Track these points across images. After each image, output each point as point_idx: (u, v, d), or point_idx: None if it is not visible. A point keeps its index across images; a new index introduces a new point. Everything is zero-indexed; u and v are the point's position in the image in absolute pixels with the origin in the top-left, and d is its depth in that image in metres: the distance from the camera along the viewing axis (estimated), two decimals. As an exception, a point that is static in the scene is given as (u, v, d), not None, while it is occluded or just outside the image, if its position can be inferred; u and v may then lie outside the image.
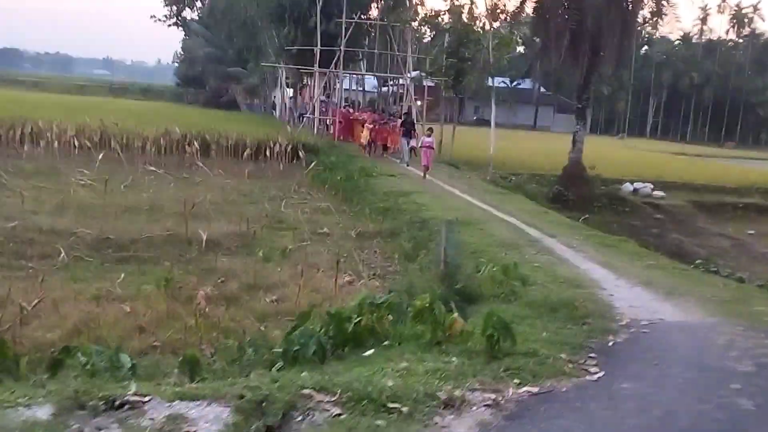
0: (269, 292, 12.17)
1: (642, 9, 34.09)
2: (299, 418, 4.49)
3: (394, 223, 17.89)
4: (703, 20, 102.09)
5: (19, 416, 4.18)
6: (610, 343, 7.13)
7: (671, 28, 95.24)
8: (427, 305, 6.82)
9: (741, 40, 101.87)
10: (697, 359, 6.69)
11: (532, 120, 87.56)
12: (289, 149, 29.67)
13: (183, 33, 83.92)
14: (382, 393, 4.84)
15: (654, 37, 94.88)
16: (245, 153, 28.78)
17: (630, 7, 31.42)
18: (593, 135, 72.92)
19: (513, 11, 33.32)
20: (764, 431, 5.18)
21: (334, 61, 38.71)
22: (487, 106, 35.29)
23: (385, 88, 51.53)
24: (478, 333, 6.37)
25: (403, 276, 12.87)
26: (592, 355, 6.61)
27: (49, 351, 7.69)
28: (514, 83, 75.91)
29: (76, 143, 27.05)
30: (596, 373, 6.06)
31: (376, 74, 49.65)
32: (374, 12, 46.30)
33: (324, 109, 41.80)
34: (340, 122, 37.04)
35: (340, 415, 4.59)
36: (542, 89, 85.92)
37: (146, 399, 4.46)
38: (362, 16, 41.93)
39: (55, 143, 26.23)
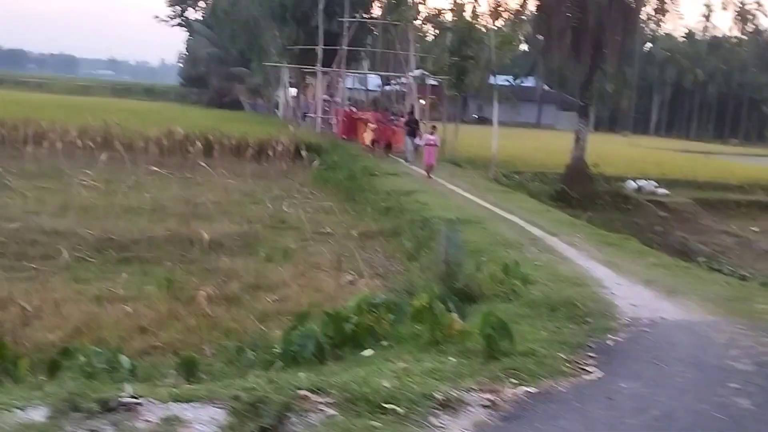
0: (271, 291, 12.18)
1: (645, 6, 34.01)
2: (294, 420, 4.49)
3: (396, 222, 17.87)
4: (707, 17, 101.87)
5: (13, 419, 4.18)
6: (610, 343, 7.11)
7: (674, 25, 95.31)
8: (426, 305, 6.79)
9: (745, 37, 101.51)
10: (697, 358, 6.67)
11: (535, 118, 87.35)
12: (291, 149, 29.65)
13: (186, 33, 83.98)
14: (378, 394, 4.83)
15: (658, 34, 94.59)
16: (248, 153, 28.76)
17: (633, 4, 31.32)
18: (597, 132, 72.75)
19: (515, 9, 33.27)
20: (762, 430, 5.15)
21: (336, 60, 38.69)
22: (490, 105, 35.20)
23: (388, 87, 51.48)
24: (477, 333, 6.35)
25: (404, 275, 12.86)
26: (592, 354, 6.59)
27: (51, 352, 7.68)
28: (518, 81, 75.71)
29: (79, 144, 27.08)
30: (595, 372, 6.05)
31: (379, 73, 49.64)
32: (377, 11, 46.29)
33: (327, 109, 41.78)
34: (343, 121, 37.00)
35: (335, 416, 4.59)
36: (546, 87, 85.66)
37: (141, 401, 4.46)
38: (364, 15, 41.90)
39: (58, 144, 26.24)
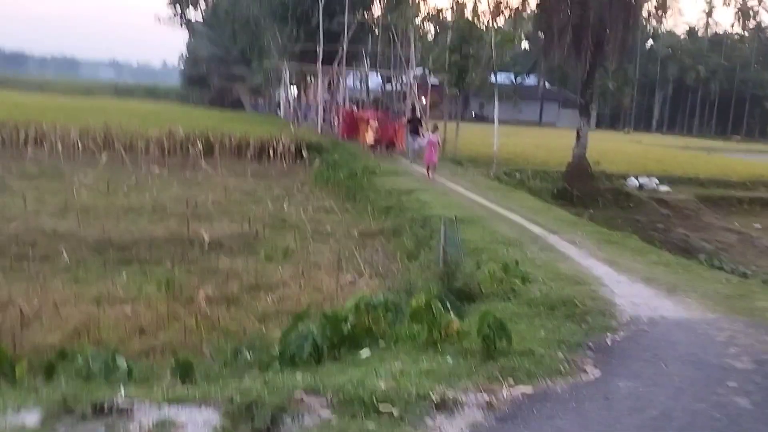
0: (271, 291, 12.15)
1: (646, 2, 33.96)
2: (289, 422, 4.47)
3: (397, 221, 17.84)
4: (709, 13, 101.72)
5: (6, 422, 4.17)
6: (609, 341, 7.08)
7: (675, 22, 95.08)
8: (424, 305, 6.77)
9: (746, 34, 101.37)
10: (696, 357, 6.64)
11: (537, 116, 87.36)
12: (292, 148, 29.65)
13: (187, 34, 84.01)
14: (374, 395, 4.81)
15: (659, 31, 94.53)
16: (249, 152, 28.76)
17: (633, 1, 31.25)
18: (599, 130, 72.78)
19: (516, 7, 33.25)
20: (760, 430, 5.12)
21: (337, 59, 38.67)
22: (491, 103, 35.14)
23: (388, 86, 51.42)
24: (475, 333, 6.32)
25: (404, 275, 12.83)
26: (590, 353, 6.57)
27: (49, 354, 7.67)
28: (519, 79, 75.70)
29: (80, 145, 27.10)
30: (593, 372, 6.02)
31: (378, 72, 49.58)
32: (377, 10, 46.28)
33: (328, 108, 41.76)
34: (344, 120, 36.98)
35: (330, 418, 4.57)
36: (547, 85, 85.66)
37: (135, 403, 4.44)
38: (365, 14, 41.87)
39: (59, 145, 26.25)
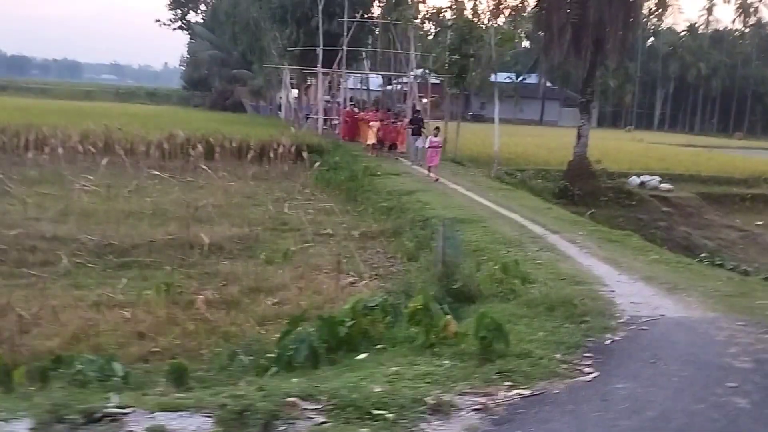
0: (270, 294, 12.14)
1: (646, 0, 33.88)
2: (282, 428, 4.44)
3: (398, 222, 17.82)
4: (709, 10, 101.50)
5: (-3, 431, 4.14)
6: (608, 342, 7.05)
7: (675, 19, 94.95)
8: (421, 307, 6.73)
9: (747, 30, 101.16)
10: (695, 356, 6.60)
11: (538, 115, 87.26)
12: (293, 150, 29.61)
13: (188, 36, 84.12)
14: (369, 400, 4.77)
15: (660, 28, 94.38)
16: (249, 155, 28.72)
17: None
18: (600, 128, 72.65)
19: (515, 6, 33.14)
20: (759, 430, 5.08)
21: (337, 60, 38.64)
22: (492, 103, 35.08)
23: (389, 87, 51.40)
24: (472, 335, 6.29)
25: (403, 276, 12.81)
26: (588, 354, 6.53)
27: (47, 360, 7.63)
28: (520, 78, 75.65)
29: (81, 149, 27.08)
30: (591, 373, 5.98)
31: (380, 73, 49.57)
32: (377, 11, 46.22)
33: (328, 109, 41.71)
34: (345, 122, 36.91)
35: (324, 423, 4.53)
36: (548, 84, 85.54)
37: (128, 411, 4.41)
38: (364, 15, 41.82)
39: (60, 149, 26.22)
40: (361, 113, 36.95)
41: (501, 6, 32.34)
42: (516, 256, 11.33)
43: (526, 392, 5.38)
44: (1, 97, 65.32)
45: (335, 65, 39.33)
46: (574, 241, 13.89)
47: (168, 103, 79.23)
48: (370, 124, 31.70)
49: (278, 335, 8.07)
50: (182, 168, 26.74)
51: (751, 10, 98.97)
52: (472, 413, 4.94)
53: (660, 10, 34.19)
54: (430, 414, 4.83)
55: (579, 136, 31.88)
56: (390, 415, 4.64)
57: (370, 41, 47.64)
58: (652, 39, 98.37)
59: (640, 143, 54.45)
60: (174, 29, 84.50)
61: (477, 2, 32.73)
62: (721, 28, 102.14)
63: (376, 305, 7.22)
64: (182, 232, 15.86)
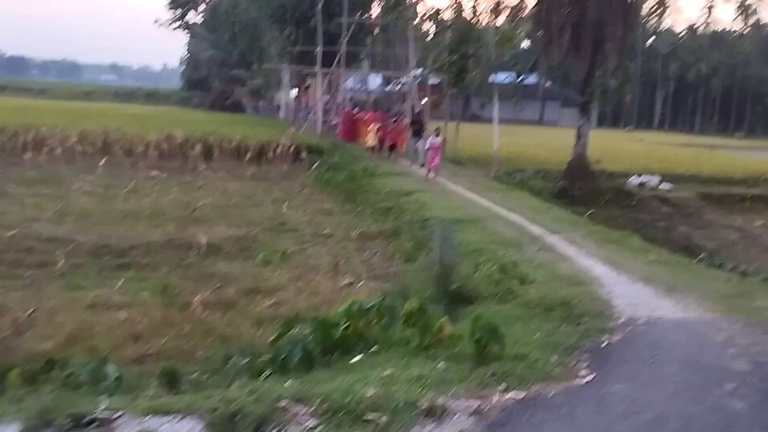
0: (268, 296, 12.06)
1: (646, 1, 33.82)
2: (272, 432, 4.39)
3: (396, 223, 17.76)
4: (709, 10, 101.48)
5: (-16, 436, 4.10)
6: (605, 344, 7.00)
7: (675, 20, 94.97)
8: (416, 309, 6.68)
9: (747, 30, 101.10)
10: (693, 358, 6.56)
11: (538, 115, 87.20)
12: (292, 151, 29.56)
13: (188, 37, 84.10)
14: (361, 403, 4.72)
15: (660, 28, 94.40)
16: (248, 155, 28.68)
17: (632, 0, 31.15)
18: (600, 128, 72.61)
19: (515, 6, 33.09)
20: (756, 434, 5.04)
21: (336, 60, 38.62)
22: (492, 103, 34.99)
23: (389, 87, 51.38)
24: (467, 337, 6.23)
25: (401, 277, 12.75)
26: (585, 356, 6.48)
27: (40, 362, 7.58)
28: (520, 78, 75.61)
29: (79, 149, 27.03)
30: (587, 375, 5.93)
31: (378, 73, 49.56)
32: (376, 11, 46.21)
33: (328, 109, 41.70)
34: (344, 122, 36.86)
35: (316, 427, 4.48)
36: (548, 84, 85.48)
37: (117, 415, 4.36)
38: (363, 16, 41.80)
39: (58, 150, 26.17)
40: (361, 113, 36.91)
41: (500, 6, 32.32)
42: (514, 257, 11.29)
43: (521, 395, 5.33)
44: (0, 97, 65.33)
45: (334, 65, 39.30)
46: (573, 242, 13.85)
47: (167, 104, 78.99)
48: (370, 126, 31.65)
49: (274, 337, 8.03)
50: (181, 168, 26.69)
51: (751, 10, 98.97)
52: (466, 417, 4.89)
53: (660, 10, 34.02)
54: (423, 418, 4.78)
55: (578, 136, 31.79)
56: (382, 419, 4.58)
57: (369, 41, 47.60)
58: (652, 39, 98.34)
59: (640, 143, 54.39)
60: (173, 29, 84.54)
61: (476, 2, 32.68)
62: (721, 29, 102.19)
63: (371, 307, 7.16)
64: (180, 233, 15.83)
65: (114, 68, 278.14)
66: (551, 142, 43.86)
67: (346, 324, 6.90)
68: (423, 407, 4.86)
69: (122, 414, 4.39)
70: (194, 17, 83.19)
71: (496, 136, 30.26)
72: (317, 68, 39.75)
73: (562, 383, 5.69)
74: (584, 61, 30.62)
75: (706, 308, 8.68)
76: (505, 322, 7.24)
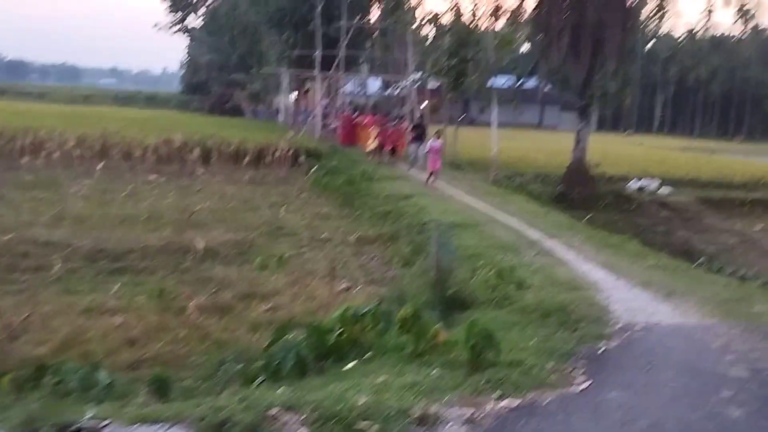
0: (264, 300, 12.00)
1: (646, 4, 33.76)
2: (262, 440, 4.32)
3: (394, 227, 17.69)
4: (709, 14, 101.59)
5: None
6: (601, 350, 6.94)
7: (674, 23, 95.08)
8: (411, 314, 6.62)
9: (746, 34, 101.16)
10: (691, 364, 6.49)
11: (537, 119, 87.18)
12: (290, 155, 29.51)
13: (187, 40, 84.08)
14: (353, 411, 4.65)
15: (659, 32, 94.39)
16: (246, 159, 28.62)
17: (631, 3, 31.11)
18: (600, 132, 72.57)
19: (514, 9, 33.03)
20: (753, 442, 4.97)
21: (335, 64, 38.59)
22: (491, 107, 34.93)
23: (388, 91, 51.34)
24: (462, 343, 6.16)
25: (399, 282, 12.69)
26: (581, 362, 6.41)
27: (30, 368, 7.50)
28: (519, 82, 75.63)
29: (77, 153, 26.95)
30: (583, 382, 5.87)
31: (378, 77, 49.53)
32: (375, 15, 46.19)
33: (327, 113, 41.67)
34: (344, 126, 36.81)
35: (306, 436, 4.42)
36: (548, 87, 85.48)
37: (104, 424, 4.29)
38: (362, 19, 41.79)
39: (56, 154, 26.10)
40: (360, 117, 36.87)
41: (499, 9, 32.26)
42: (512, 262, 11.23)
43: (516, 403, 5.26)
44: (-1, 101, 65.25)
45: (333, 69, 39.27)
46: (571, 246, 13.79)
47: (167, 108, 78.87)
48: (369, 130, 31.59)
49: (268, 343, 7.96)
50: (179, 172, 26.60)
51: (750, 14, 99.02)
52: (459, 425, 4.82)
53: (659, 14, 33.97)
54: (416, 426, 4.71)
55: (577, 140, 31.72)
56: (373, 427, 4.52)
57: (368, 45, 47.58)
58: (651, 43, 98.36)
59: (639, 147, 54.33)
60: (173, 33, 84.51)
61: (476, 6, 32.63)
62: (720, 33, 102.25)
63: (366, 313, 7.09)
64: (177, 237, 15.76)
65: (114, 72, 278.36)
66: (550, 145, 43.81)
67: (341, 330, 6.83)
68: (415, 415, 4.80)
69: (109, 423, 4.32)
70: (194, 21, 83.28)
71: (494, 140, 30.20)
72: (316, 72, 39.71)
73: (557, 390, 5.62)
74: (583, 64, 30.56)
75: (705, 313, 8.62)
76: (501, 327, 7.18)
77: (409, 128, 30.52)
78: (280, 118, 54.76)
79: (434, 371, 5.83)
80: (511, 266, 10.44)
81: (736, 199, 32.82)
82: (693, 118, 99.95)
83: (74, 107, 62.56)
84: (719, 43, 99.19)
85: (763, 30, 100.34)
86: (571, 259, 12.54)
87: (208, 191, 22.79)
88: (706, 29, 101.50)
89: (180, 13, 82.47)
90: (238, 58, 64.66)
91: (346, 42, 37.95)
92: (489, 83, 35.54)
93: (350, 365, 6.36)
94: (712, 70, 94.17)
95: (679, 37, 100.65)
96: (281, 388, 5.42)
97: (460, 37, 32.45)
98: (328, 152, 32.16)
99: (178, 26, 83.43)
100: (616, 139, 64.02)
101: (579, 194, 29.03)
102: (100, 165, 23.32)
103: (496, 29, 33.76)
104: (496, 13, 32.30)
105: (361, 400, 4.88)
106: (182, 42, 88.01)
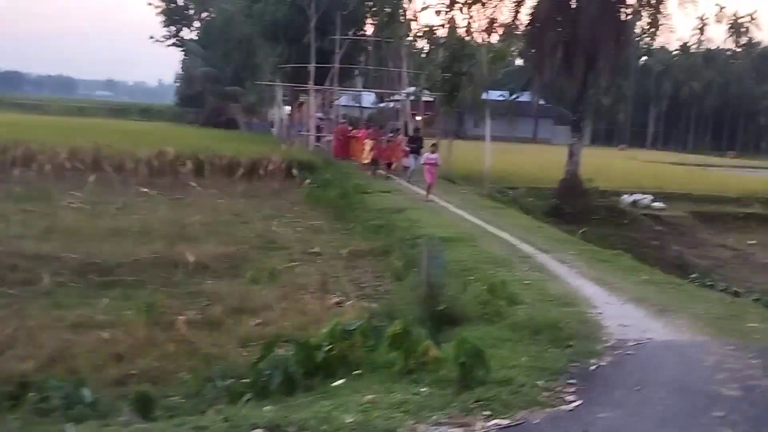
0: (254, 315, 11.90)
1: (639, 20, 33.91)
2: (244, 462, 4.23)
3: (387, 240, 17.60)
4: (701, 30, 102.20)
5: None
6: (593, 367, 6.85)
7: (668, 38, 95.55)
8: (401, 331, 6.53)
9: (739, 49, 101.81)
10: (682, 383, 6.42)
11: (531, 133, 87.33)
12: (283, 167, 29.45)
13: (182, 53, 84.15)
14: (339, 431, 4.56)
15: (652, 47, 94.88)
16: (239, 172, 28.55)
17: (624, 18, 31.25)
18: (594, 146, 72.69)
19: (508, 24, 33.13)
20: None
21: (330, 77, 38.64)
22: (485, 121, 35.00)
23: (383, 104, 51.46)
24: (452, 360, 6.08)
25: (390, 297, 12.60)
26: (572, 381, 6.33)
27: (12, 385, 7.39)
28: (513, 96, 75.74)
29: (69, 165, 26.85)
30: (573, 401, 5.78)
31: (372, 90, 49.62)
32: (370, 29, 46.29)
33: (321, 126, 41.68)
34: (338, 139, 36.77)
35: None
36: (542, 102, 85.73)
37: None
38: (357, 33, 41.87)
39: (47, 166, 25.98)
40: (354, 131, 36.84)
41: (494, 24, 32.36)
42: (504, 277, 11.14)
43: (505, 422, 5.18)
44: (-8, 112, 65.05)
45: (327, 82, 39.30)
46: (564, 261, 13.72)
47: (161, 120, 78.84)
48: (364, 142, 31.53)
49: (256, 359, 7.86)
50: (171, 185, 26.49)
51: (742, 30, 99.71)
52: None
53: (652, 29, 34.09)
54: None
55: (571, 154, 31.81)
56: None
57: (362, 59, 47.67)
58: (645, 57, 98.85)
59: (632, 161, 54.46)
60: (168, 46, 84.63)
61: (470, 20, 32.72)
62: (713, 47, 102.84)
63: (356, 329, 7.01)
64: (168, 251, 15.65)
65: (109, 84, 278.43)
66: (544, 159, 43.85)
67: (330, 346, 6.74)
68: (403, 436, 4.72)
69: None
70: (189, 34, 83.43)
71: (488, 154, 30.22)
72: (310, 85, 39.74)
73: (547, 409, 5.54)
74: (577, 79, 30.71)
75: (697, 330, 8.56)
76: (491, 344, 7.11)
77: (405, 141, 30.47)
78: (275, 131, 54.79)
79: (423, 389, 5.75)
80: (502, 281, 10.35)
81: (729, 213, 32.91)
82: (686, 133, 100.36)
83: (68, 119, 62.46)
84: (712, 57, 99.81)
85: (756, 44, 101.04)
86: (563, 273, 12.48)
87: (200, 204, 22.68)
88: (700, 44, 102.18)
89: (174, 27, 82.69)
90: (232, 71, 64.78)
91: (340, 55, 37.97)
92: (483, 97, 35.64)
93: (339, 382, 6.26)
94: (705, 85, 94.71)
95: (673, 52, 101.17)
96: (267, 406, 5.33)
97: (455, 50, 32.52)
98: (322, 165, 32.14)
99: (173, 39, 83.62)
100: (610, 153, 64.14)
101: (572, 208, 29.05)
102: (92, 177, 23.17)
103: (491, 43, 33.85)
104: (490, 27, 32.41)
105: (348, 419, 4.80)
106: (177, 55, 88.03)
